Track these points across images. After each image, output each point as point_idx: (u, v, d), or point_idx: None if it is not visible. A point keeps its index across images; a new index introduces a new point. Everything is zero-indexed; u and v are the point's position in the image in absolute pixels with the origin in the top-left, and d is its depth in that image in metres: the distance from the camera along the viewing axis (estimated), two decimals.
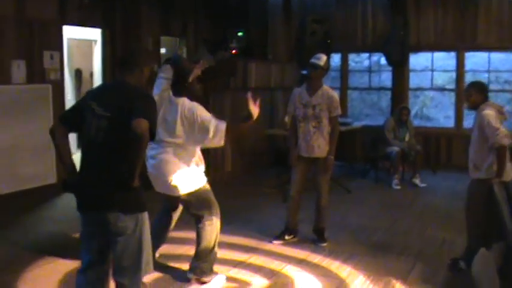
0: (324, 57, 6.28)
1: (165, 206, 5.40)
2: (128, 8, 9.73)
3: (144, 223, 3.70)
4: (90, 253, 3.79)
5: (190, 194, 4.96)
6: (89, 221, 3.74)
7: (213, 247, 5.14)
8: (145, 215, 3.72)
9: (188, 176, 4.91)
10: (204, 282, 5.11)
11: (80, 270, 3.87)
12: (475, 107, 5.35)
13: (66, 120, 3.78)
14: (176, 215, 5.44)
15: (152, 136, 3.51)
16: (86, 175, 3.68)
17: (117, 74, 3.94)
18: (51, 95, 8.50)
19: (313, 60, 6.27)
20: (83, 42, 10.79)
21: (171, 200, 5.18)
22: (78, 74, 11.51)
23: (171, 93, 4.89)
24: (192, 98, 4.86)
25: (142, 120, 3.40)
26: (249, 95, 4.76)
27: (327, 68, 6.34)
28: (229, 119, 4.93)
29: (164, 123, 4.78)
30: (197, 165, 4.99)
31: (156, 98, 4.34)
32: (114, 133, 3.52)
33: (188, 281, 5.15)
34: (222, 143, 4.69)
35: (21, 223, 7.16)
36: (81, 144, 3.70)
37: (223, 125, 4.65)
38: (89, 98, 3.74)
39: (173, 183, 4.86)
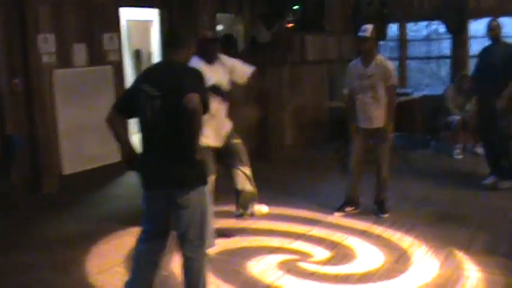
0: (369, 28, 6.18)
1: None
2: None
3: (205, 196, 3.81)
4: (154, 226, 3.90)
5: None
6: (154, 197, 3.83)
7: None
8: (207, 188, 3.83)
9: None
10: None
11: (140, 240, 3.97)
12: None
13: (121, 109, 3.88)
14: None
15: (206, 109, 3.59)
16: (149, 155, 3.77)
17: (165, 53, 4.03)
18: (112, 76, 8.69)
19: (359, 34, 6.22)
20: (140, 23, 10.95)
21: None
22: (137, 55, 11.68)
23: None
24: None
25: (193, 94, 3.47)
26: None
27: (375, 37, 6.28)
28: None
29: None
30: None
31: None
32: (169, 111, 3.59)
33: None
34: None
35: (88, 201, 7.41)
36: (139, 126, 3.78)
37: None
38: (140, 81, 3.84)
39: None
